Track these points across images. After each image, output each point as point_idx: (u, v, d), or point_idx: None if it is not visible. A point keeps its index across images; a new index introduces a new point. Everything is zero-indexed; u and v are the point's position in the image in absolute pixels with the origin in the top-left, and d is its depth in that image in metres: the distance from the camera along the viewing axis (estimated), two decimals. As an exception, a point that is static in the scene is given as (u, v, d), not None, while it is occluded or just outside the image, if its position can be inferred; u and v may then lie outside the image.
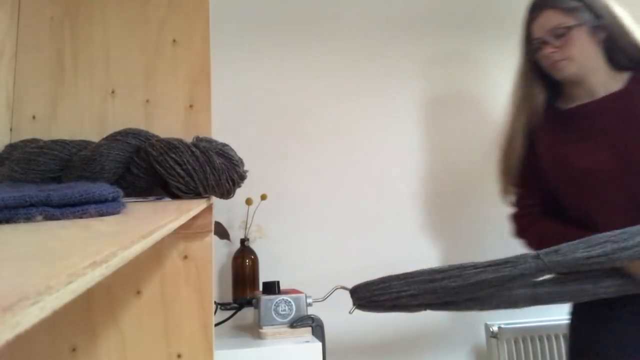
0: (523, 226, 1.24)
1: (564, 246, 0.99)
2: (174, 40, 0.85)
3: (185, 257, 0.78)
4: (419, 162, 1.75)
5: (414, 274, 1.07)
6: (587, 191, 1.13)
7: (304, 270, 1.60)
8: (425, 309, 1.11)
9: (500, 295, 1.08)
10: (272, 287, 1.30)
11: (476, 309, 1.11)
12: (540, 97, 1.21)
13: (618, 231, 0.98)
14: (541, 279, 1.06)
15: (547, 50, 1.14)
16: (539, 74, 1.20)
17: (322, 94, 1.73)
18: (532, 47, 1.19)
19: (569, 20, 1.12)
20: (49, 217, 0.35)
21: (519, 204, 1.26)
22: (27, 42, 0.82)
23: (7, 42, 0.80)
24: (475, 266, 1.03)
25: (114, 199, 0.40)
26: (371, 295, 1.08)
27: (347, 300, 1.25)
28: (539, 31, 1.16)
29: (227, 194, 0.70)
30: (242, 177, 0.72)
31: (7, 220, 0.34)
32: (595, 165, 1.11)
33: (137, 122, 0.81)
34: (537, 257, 1.00)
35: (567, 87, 1.19)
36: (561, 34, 1.12)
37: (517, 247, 1.22)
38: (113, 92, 0.83)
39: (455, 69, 1.84)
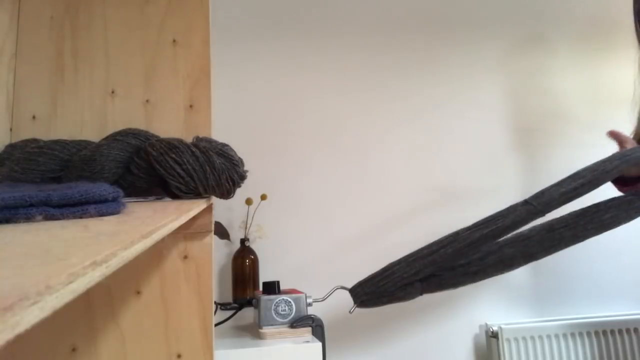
0: None
1: (547, 188, 1.07)
2: (174, 40, 0.85)
3: (185, 257, 0.78)
4: (420, 162, 1.75)
5: (412, 254, 1.09)
6: None
7: (304, 270, 1.60)
8: (421, 292, 1.11)
9: (494, 258, 1.09)
10: (272, 287, 1.30)
11: (470, 281, 1.12)
12: None
13: (594, 163, 1.08)
14: (529, 227, 1.09)
15: None
16: None
17: (323, 93, 1.73)
18: None
19: None
20: (49, 217, 0.35)
21: None
22: (27, 42, 0.82)
23: (7, 42, 0.80)
24: (467, 228, 1.06)
25: (114, 199, 0.40)
26: (377, 288, 1.09)
27: (347, 300, 1.25)
28: None
29: (227, 194, 0.70)
30: (242, 177, 0.72)
31: (7, 220, 0.34)
32: None
33: (137, 122, 0.81)
34: (526, 203, 1.06)
35: None
36: None
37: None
38: (113, 92, 0.83)
39: (459, 70, 1.84)
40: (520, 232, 1.10)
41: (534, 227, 1.10)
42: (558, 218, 1.11)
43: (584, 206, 1.11)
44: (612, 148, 1.87)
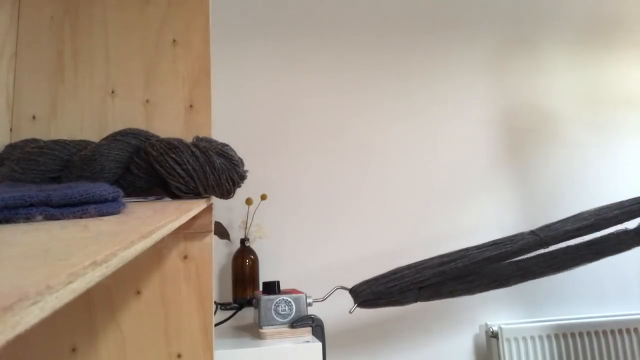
0: None
1: (553, 223, 1.20)
2: (174, 40, 0.85)
3: (185, 257, 0.78)
4: (420, 162, 1.75)
5: (422, 262, 1.17)
6: None
7: (304, 270, 1.60)
8: (417, 299, 1.17)
9: (490, 274, 1.18)
10: (272, 287, 1.30)
11: (466, 292, 1.19)
12: None
13: (598, 207, 1.21)
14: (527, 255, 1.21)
15: None
16: None
17: (323, 93, 1.73)
18: None
19: None
20: (49, 217, 0.35)
21: None
22: (27, 42, 0.82)
23: (7, 42, 0.80)
24: (477, 247, 1.16)
25: (114, 199, 0.40)
26: (385, 288, 1.14)
27: (347, 300, 1.25)
28: None
29: (227, 194, 0.70)
30: (242, 177, 0.72)
31: (7, 220, 0.34)
32: None
33: (137, 122, 0.81)
34: (532, 233, 1.18)
35: None
36: None
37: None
38: (113, 92, 0.83)
39: (456, 69, 1.84)
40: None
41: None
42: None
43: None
44: (606, 148, 1.87)
